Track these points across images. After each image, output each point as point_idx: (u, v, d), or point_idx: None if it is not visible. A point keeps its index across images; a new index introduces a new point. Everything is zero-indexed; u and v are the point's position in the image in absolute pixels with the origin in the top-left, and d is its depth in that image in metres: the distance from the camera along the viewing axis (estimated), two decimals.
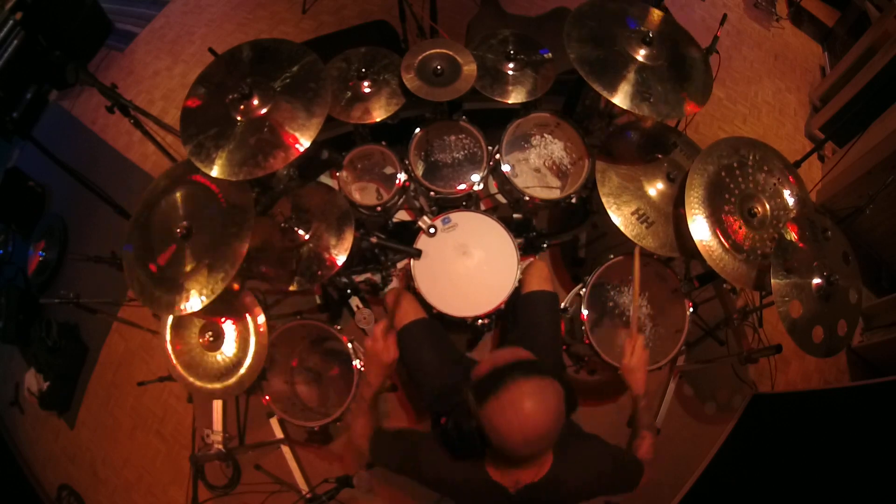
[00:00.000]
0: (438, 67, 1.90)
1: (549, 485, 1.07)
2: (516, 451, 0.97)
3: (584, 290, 1.94)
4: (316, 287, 2.36)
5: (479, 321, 1.82)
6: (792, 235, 1.60)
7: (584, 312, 1.89)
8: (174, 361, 1.78)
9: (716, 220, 1.69)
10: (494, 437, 0.96)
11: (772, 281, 1.52)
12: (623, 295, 2.07)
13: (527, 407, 0.92)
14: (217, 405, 2.20)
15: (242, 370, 1.72)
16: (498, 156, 1.99)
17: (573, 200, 1.99)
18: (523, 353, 1.03)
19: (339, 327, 1.86)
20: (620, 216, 1.77)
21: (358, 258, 2.29)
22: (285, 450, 2.19)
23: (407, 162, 1.98)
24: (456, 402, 1.09)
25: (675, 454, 2.26)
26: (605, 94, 1.62)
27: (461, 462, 1.09)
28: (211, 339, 1.75)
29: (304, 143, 1.55)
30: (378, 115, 1.91)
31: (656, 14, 1.86)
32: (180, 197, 1.68)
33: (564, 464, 1.09)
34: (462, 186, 1.99)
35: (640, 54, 1.72)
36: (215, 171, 1.54)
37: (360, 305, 2.29)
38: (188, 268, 1.57)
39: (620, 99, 1.62)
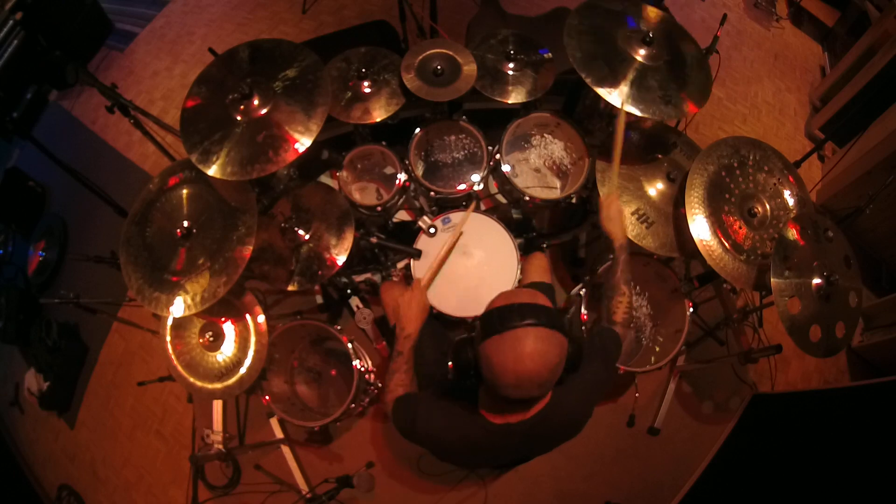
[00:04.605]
0: (438, 67, 1.90)
1: (552, 409, 1.08)
2: (506, 391, 0.96)
3: (584, 290, 1.94)
4: (316, 287, 2.36)
5: None
6: (793, 234, 1.60)
7: (584, 312, 1.89)
8: (174, 361, 1.78)
9: (716, 220, 1.69)
10: (487, 372, 0.97)
11: (772, 278, 1.52)
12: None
13: (526, 351, 0.92)
14: (217, 405, 2.20)
15: (242, 370, 1.72)
16: (498, 156, 1.99)
17: (573, 200, 1.99)
18: (541, 297, 1.01)
19: (339, 327, 1.86)
20: None
21: (358, 258, 2.29)
22: (285, 450, 2.19)
23: (407, 162, 1.98)
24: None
25: (675, 454, 2.26)
26: (607, 97, 1.64)
27: (457, 416, 1.11)
28: (211, 339, 1.74)
29: (304, 143, 1.55)
30: (378, 115, 1.91)
31: (654, 13, 1.86)
32: (185, 196, 1.68)
33: (565, 388, 1.10)
34: (462, 186, 1.99)
35: (640, 55, 1.72)
36: (216, 172, 1.54)
37: (360, 305, 2.29)
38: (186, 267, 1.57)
39: (625, 103, 1.63)
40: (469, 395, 1.14)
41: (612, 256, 1.47)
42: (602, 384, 1.20)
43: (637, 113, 1.64)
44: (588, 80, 1.65)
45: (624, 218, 1.56)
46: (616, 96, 1.65)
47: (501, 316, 0.96)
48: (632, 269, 1.50)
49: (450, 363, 1.07)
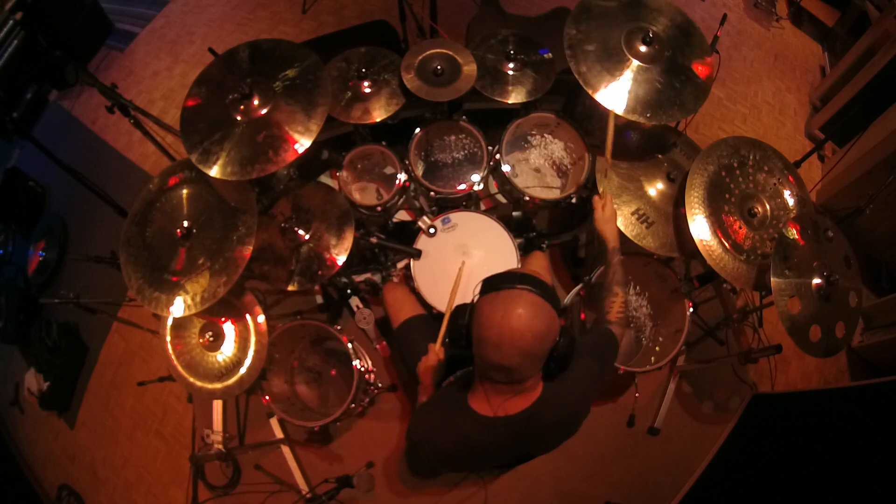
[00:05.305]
0: (438, 67, 1.90)
1: (545, 404, 1.08)
2: (487, 349, 0.98)
3: (582, 290, 1.94)
4: (316, 287, 2.36)
5: None
6: (793, 233, 1.60)
7: (584, 312, 1.89)
8: (174, 361, 1.78)
9: (716, 220, 1.69)
10: (476, 326, 1.01)
11: (772, 278, 1.52)
12: None
13: (517, 310, 0.95)
14: (217, 405, 2.20)
15: (242, 370, 1.72)
16: (498, 156, 1.99)
17: (573, 200, 1.99)
18: (542, 278, 1.04)
19: (339, 327, 1.86)
20: (620, 216, 1.77)
21: (358, 258, 2.29)
22: (285, 450, 2.19)
23: (407, 162, 1.98)
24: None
25: (675, 454, 2.26)
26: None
27: (449, 413, 1.14)
28: (211, 339, 1.74)
29: (304, 143, 1.55)
30: (378, 115, 1.91)
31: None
32: (185, 196, 1.68)
33: (557, 384, 1.10)
34: (462, 186, 1.99)
35: (640, 55, 1.72)
36: (216, 172, 1.54)
37: (360, 305, 2.29)
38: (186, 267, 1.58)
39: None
40: (461, 387, 1.15)
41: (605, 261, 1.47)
42: (595, 379, 1.20)
43: (626, 116, 1.65)
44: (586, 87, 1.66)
45: (617, 219, 1.57)
46: (606, 98, 1.65)
47: (502, 277, 1.02)
48: (626, 271, 1.51)
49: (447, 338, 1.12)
